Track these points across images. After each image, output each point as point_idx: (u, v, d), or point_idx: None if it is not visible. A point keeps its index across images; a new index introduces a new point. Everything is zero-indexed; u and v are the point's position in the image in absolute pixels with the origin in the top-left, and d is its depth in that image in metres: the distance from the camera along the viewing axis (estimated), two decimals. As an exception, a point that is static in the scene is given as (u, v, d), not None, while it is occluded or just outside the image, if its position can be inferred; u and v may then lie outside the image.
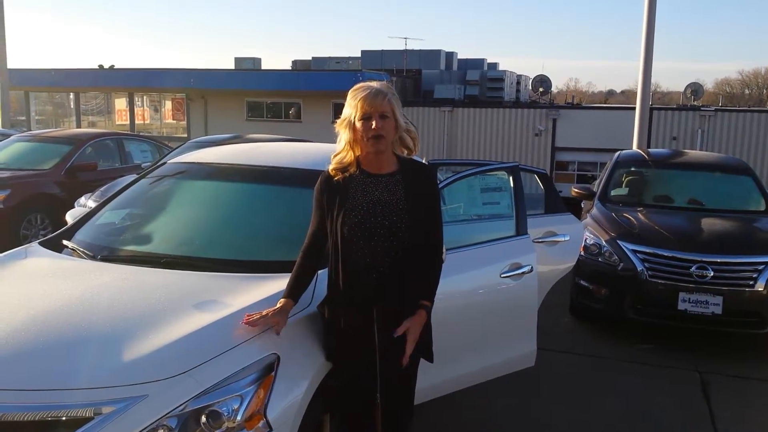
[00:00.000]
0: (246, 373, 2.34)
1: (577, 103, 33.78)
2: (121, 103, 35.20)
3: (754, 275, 5.32)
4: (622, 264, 5.58)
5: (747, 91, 64.26)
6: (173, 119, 34.23)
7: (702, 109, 24.44)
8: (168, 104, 35.16)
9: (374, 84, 2.63)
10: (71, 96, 34.32)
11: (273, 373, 2.40)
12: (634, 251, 5.57)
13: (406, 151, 2.74)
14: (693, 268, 5.35)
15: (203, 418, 2.24)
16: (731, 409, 4.42)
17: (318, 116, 28.42)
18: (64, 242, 3.43)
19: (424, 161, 2.87)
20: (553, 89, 37.64)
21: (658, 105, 29.27)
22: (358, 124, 2.58)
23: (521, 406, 4.35)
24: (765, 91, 57.06)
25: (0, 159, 9.02)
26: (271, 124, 28.15)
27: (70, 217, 4.02)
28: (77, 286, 2.88)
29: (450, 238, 3.98)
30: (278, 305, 2.64)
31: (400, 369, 2.63)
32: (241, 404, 2.28)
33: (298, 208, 3.56)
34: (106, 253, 3.29)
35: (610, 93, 73.88)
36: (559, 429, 4.07)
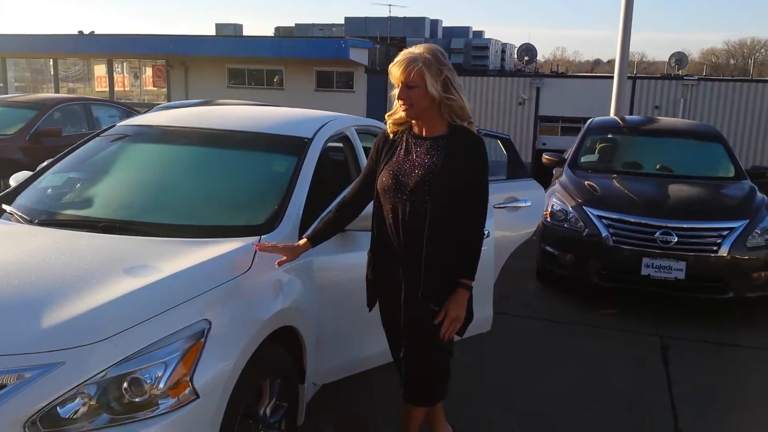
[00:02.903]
0: (172, 340, 2.26)
1: (561, 72, 33.62)
2: (100, 70, 34.62)
3: (718, 240, 5.31)
4: (587, 230, 5.55)
5: (732, 62, 64.35)
6: (154, 86, 33.73)
7: (685, 78, 24.42)
8: (148, 71, 34.61)
9: (414, 50, 2.61)
10: (51, 62, 33.69)
11: (203, 340, 2.33)
12: (599, 217, 5.54)
13: (457, 119, 2.67)
14: (657, 234, 5.34)
15: (125, 385, 2.17)
16: (689, 374, 4.42)
17: (301, 84, 28.08)
18: (3, 206, 3.32)
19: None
20: (539, 58, 37.43)
21: (644, 74, 29.17)
22: (395, 91, 2.63)
23: (479, 371, 4.33)
24: (750, 61, 57.05)
25: (-37, 124, 8.82)
26: (254, 92, 27.80)
27: (14, 180, 3.90)
28: (6, 251, 2.78)
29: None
30: (297, 242, 2.82)
31: (428, 337, 2.67)
32: (165, 371, 2.21)
33: (245, 173, 3.49)
34: (44, 217, 3.18)
35: (597, 62, 73.66)
36: (516, 392, 4.05)
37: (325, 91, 27.61)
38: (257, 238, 2.88)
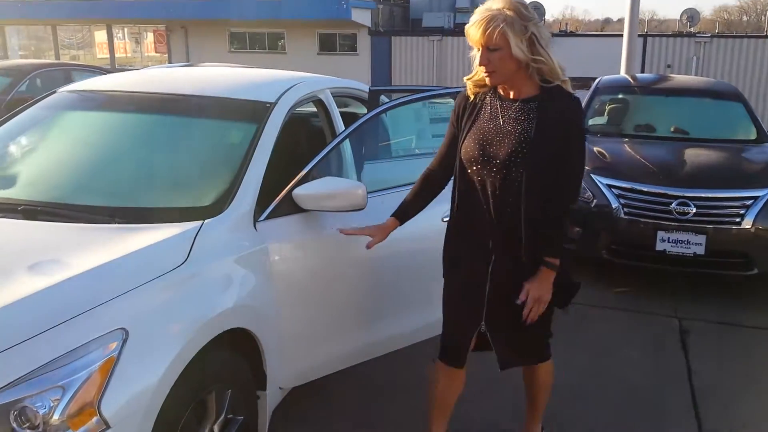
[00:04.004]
0: (74, 357, 1.81)
1: (571, 31, 32.69)
2: (101, 36, 33.98)
3: (741, 211, 4.80)
4: (596, 200, 5.05)
5: (745, 18, 62.76)
6: (156, 52, 33.02)
7: (698, 35, 23.62)
8: (150, 36, 33.91)
9: (492, 6, 2.29)
10: (49, 29, 32.99)
11: (115, 354, 1.88)
12: (609, 186, 5.03)
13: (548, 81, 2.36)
14: (673, 204, 4.83)
15: (13, 416, 1.73)
16: (710, 361, 3.96)
17: (303, 47, 27.31)
18: None
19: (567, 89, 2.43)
20: (548, 17, 36.56)
21: (655, 32, 28.28)
22: (473, 53, 2.36)
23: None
24: (763, 17, 55.53)
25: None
26: (256, 56, 27.10)
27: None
28: None
29: (389, 177, 3.46)
30: (385, 222, 2.59)
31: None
32: (63, 397, 1.76)
33: (193, 144, 3.01)
34: (-41, 199, 2.73)
35: (607, 21, 72.01)
36: (515, 384, 3.60)
37: (329, 55, 26.87)
38: (199, 223, 2.41)
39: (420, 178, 2.64)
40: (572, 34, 27.76)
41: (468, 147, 2.41)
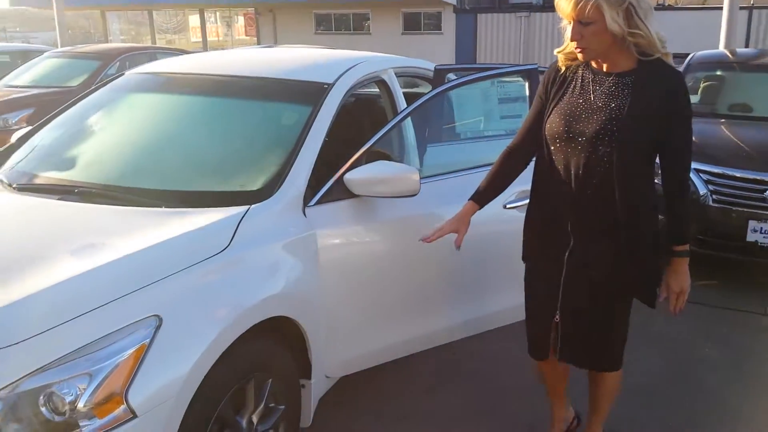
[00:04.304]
0: (103, 344, 1.79)
1: (669, 4, 31.10)
2: (194, 20, 35.02)
3: None
4: (681, 187, 4.70)
5: None
6: (246, 35, 33.78)
7: (812, 6, 21.88)
8: (240, 20, 34.68)
9: None
10: (147, 14, 34.26)
11: (147, 341, 1.84)
12: (697, 171, 4.67)
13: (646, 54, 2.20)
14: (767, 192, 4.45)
15: (41, 401, 1.72)
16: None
17: (388, 27, 27.20)
18: (-12, 170, 2.95)
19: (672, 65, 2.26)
20: (645, -9, 34.67)
21: (761, 5, 26.48)
22: (563, 24, 2.21)
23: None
24: None
25: (29, 78, 8.76)
26: (340, 38, 27.25)
27: (16, 138, 3.54)
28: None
29: (452, 161, 3.31)
30: (462, 209, 2.43)
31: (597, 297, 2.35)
32: (89, 384, 1.74)
33: (246, 127, 2.97)
34: (24, 180, 2.78)
35: (710, -6, 68.01)
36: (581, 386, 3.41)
37: (413, 34, 26.66)
38: (245, 207, 2.36)
39: (500, 155, 2.47)
40: (670, 8, 26.37)
41: (553, 122, 2.27)
